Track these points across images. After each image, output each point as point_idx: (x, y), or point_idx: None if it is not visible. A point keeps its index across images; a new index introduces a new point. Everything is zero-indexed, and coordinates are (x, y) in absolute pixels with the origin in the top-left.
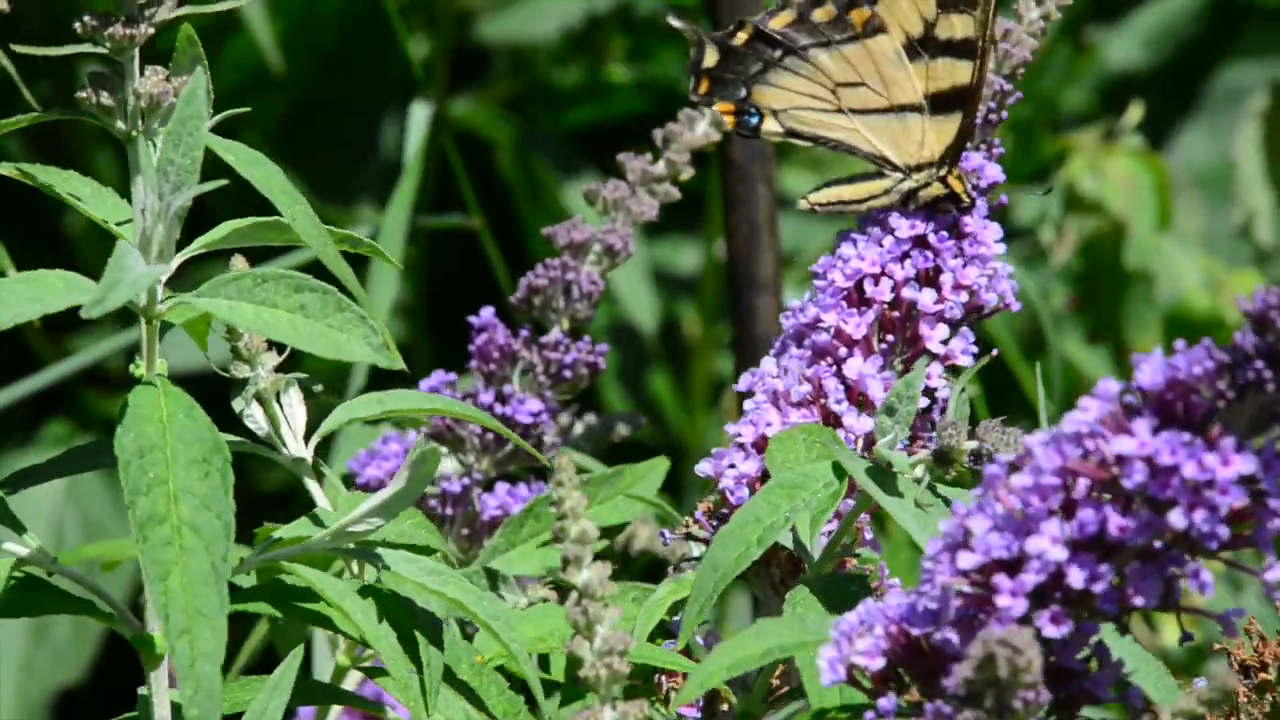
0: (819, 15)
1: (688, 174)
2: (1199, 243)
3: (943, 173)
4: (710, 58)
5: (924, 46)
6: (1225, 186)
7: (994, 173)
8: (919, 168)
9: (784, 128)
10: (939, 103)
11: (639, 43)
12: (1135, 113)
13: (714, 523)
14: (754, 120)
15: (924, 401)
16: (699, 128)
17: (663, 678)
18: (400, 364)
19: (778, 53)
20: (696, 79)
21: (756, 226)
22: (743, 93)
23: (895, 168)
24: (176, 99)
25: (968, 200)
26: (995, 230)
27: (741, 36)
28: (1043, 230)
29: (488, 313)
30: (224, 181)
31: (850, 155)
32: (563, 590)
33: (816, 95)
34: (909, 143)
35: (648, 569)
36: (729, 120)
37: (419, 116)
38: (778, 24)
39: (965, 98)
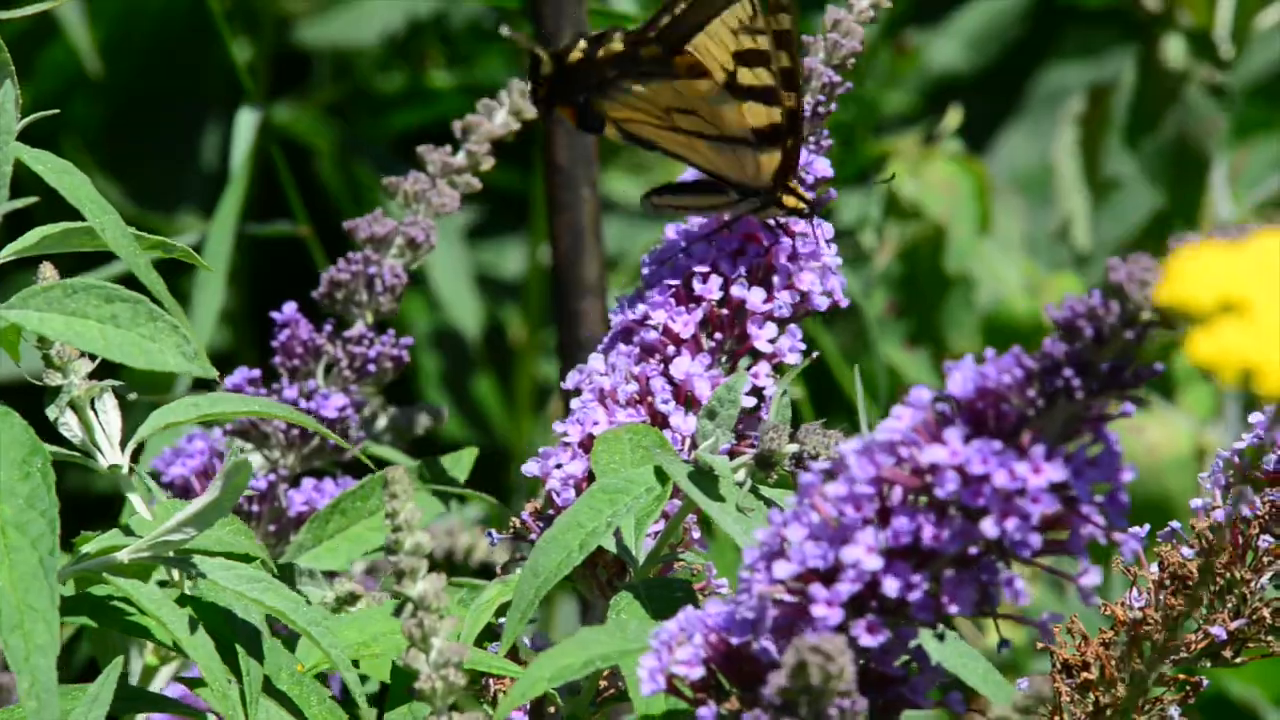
0: (645, 53)
1: (488, 164)
2: (1021, 245)
3: (776, 195)
4: (547, 67)
5: (733, 91)
6: (1046, 189)
7: (823, 167)
8: (755, 191)
9: (623, 133)
10: (762, 136)
11: (460, 48)
12: (954, 117)
13: (540, 523)
14: (595, 124)
15: (752, 401)
16: (497, 118)
17: (490, 680)
18: (213, 373)
19: (609, 73)
20: (535, 85)
21: (581, 230)
22: (582, 99)
23: (734, 185)
24: None
25: (806, 209)
26: (827, 229)
27: (575, 56)
28: (863, 234)
29: (290, 308)
30: (35, 199)
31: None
32: (370, 585)
33: (650, 114)
34: (745, 168)
35: (479, 570)
36: (570, 120)
37: (246, 123)
38: (604, 54)
39: (780, 131)
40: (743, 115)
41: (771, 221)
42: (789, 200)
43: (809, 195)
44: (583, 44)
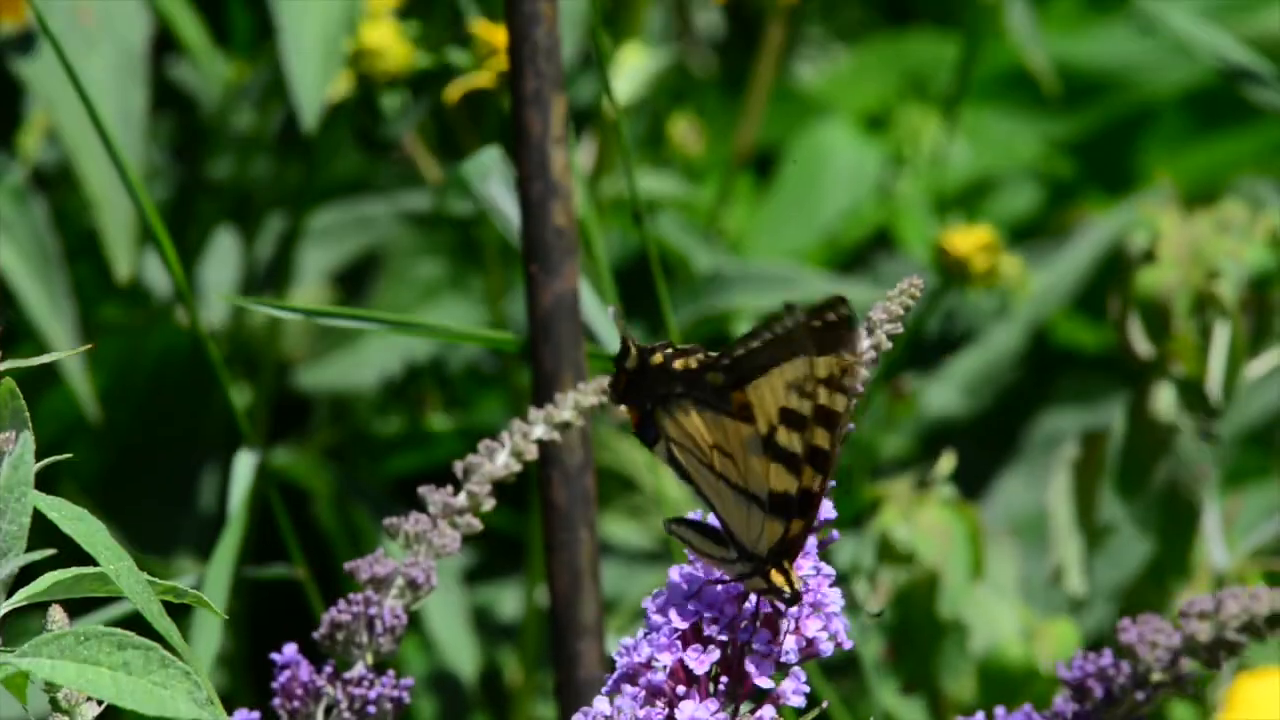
0: (711, 379)
1: (489, 505)
2: (1016, 590)
3: (766, 569)
4: (633, 361)
5: (767, 448)
6: (1041, 534)
7: (826, 509)
8: (751, 557)
9: (669, 454)
10: (775, 503)
11: (458, 392)
12: (947, 464)
13: None
14: (651, 435)
15: None
16: (499, 459)
17: None
18: (224, 719)
19: (677, 388)
20: (618, 375)
21: (579, 572)
22: (649, 405)
23: (736, 545)
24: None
25: (790, 594)
26: (829, 574)
27: (657, 359)
28: (857, 580)
29: (290, 649)
30: (51, 551)
31: (708, 510)
32: None
33: (697, 444)
34: (751, 529)
35: None
36: (633, 422)
37: (244, 465)
38: (680, 366)
39: (794, 505)
40: (768, 475)
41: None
42: (776, 578)
43: (800, 584)
44: (668, 351)
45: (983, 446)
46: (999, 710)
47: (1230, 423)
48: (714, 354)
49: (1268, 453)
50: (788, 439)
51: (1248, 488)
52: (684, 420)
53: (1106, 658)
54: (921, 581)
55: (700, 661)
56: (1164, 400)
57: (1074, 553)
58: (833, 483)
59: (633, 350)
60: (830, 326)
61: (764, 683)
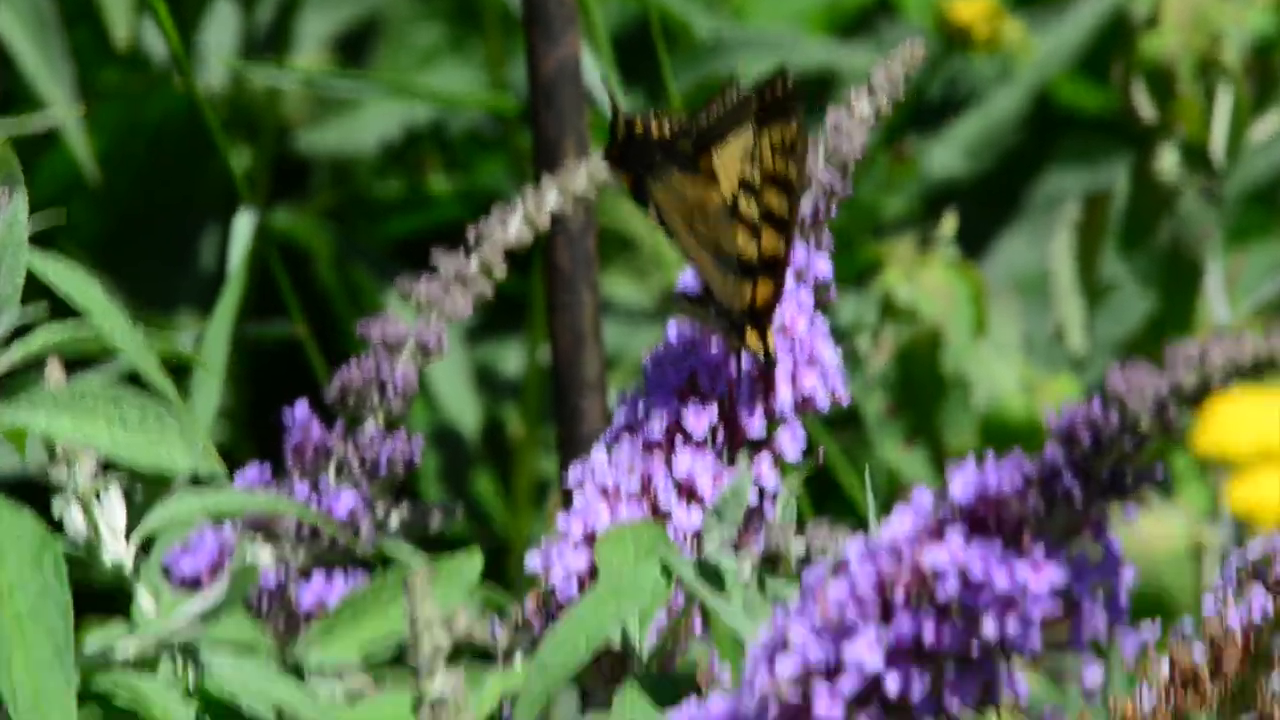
0: (681, 146)
1: (501, 272)
2: (1018, 348)
3: (741, 328)
4: (622, 130)
5: (733, 214)
6: (1043, 292)
7: (823, 268)
8: (728, 314)
9: (659, 218)
10: (744, 267)
11: (458, 155)
12: (949, 224)
13: (542, 617)
14: (644, 199)
15: (754, 498)
16: (511, 227)
17: None
18: (221, 470)
19: (659, 155)
20: (611, 144)
21: (581, 331)
22: (640, 171)
23: (714, 303)
24: None
25: (763, 357)
26: (824, 329)
27: (639, 129)
28: (859, 337)
29: (302, 408)
30: (44, 304)
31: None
32: (379, 680)
33: (678, 208)
34: (727, 290)
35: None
36: (628, 187)
37: (243, 225)
38: (657, 135)
39: (763, 268)
40: (736, 239)
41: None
42: (750, 337)
43: (773, 345)
44: (649, 121)
45: (985, 207)
46: (989, 455)
47: (1233, 184)
48: (683, 122)
49: (1271, 212)
50: (747, 205)
51: (1251, 246)
52: (668, 185)
53: (1096, 406)
54: (924, 338)
55: (696, 415)
56: (1167, 162)
57: (1075, 310)
58: (830, 244)
59: (621, 120)
60: (777, 100)
61: (756, 433)
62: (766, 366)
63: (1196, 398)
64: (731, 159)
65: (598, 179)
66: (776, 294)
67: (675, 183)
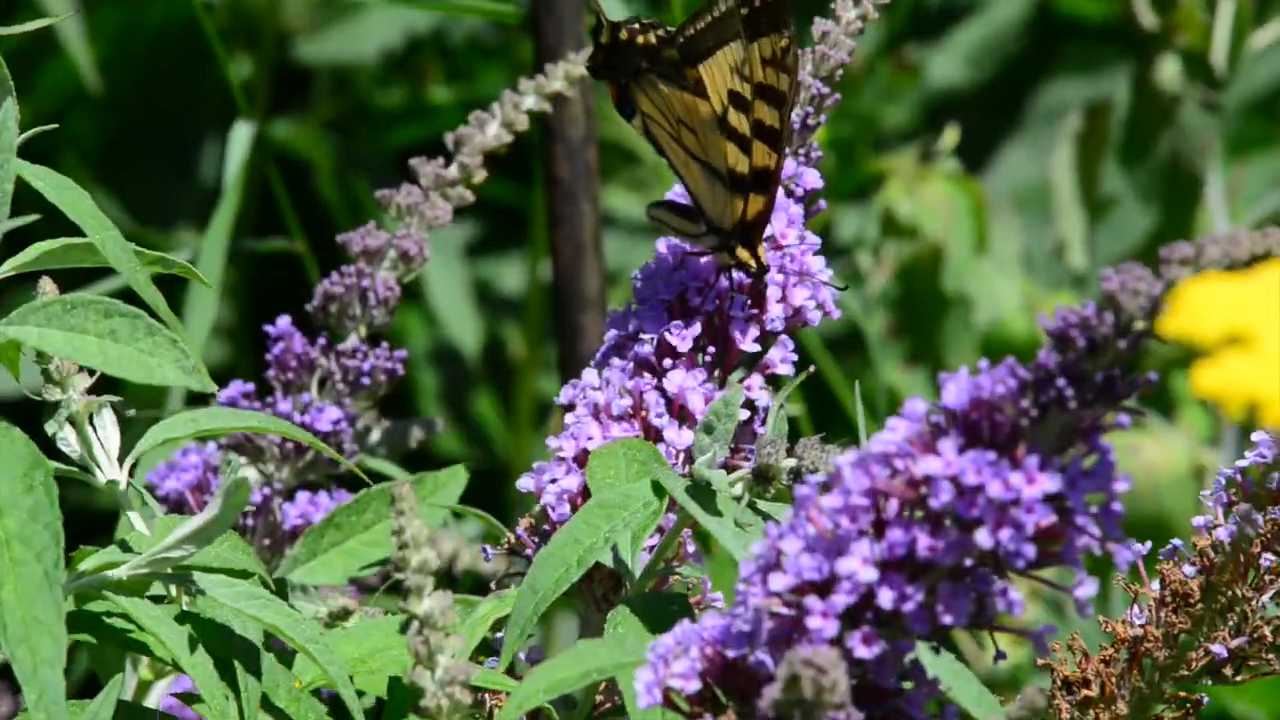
0: (668, 55)
1: (480, 176)
2: (1019, 264)
3: (731, 243)
4: (605, 37)
5: (722, 128)
6: (1044, 206)
7: (812, 179)
8: (719, 231)
9: (645, 129)
10: (736, 181)
11: (460, 64)
12: (951, 137)
13: (536, 539)
14: (629, 109)
15: (745, 414)
16: (490, 130)
17: (487, 696)
18: (212, 387)
19: (644, 63)
20: (594, 50)
21: (581, 245)
22: (624, 80)
23: (705, 218)
24: None
25: (755, 268)
26: (814, 241)
27: (624, 36)
28: (860, 254)
29: (284, 321)
30: (36, 216)
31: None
32: (364, 601)
33: (665, 119)
34: (718, 205)
35: (470, 586)
36: (612, 96)
37: (240, 137)
38: (643, 42)
39: (750, 182)
40: (725, 153)
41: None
42: (741, 253)
43: (765, 256)
44: (633, 27)
45: (986, 117)
46: (983, 363)
47: (1235, 94)
48: (666, 32)
49: (1271, 123)
50: (737, 120)
51: (1252, 158)
52: (654, 95)
53: (1089, 309)
54: (925, 255)
55: (684, 331)
56: (1168, 71)
57: (1076, 226)
58: (819, 153)
59: (605, 25)
60: (766, 8)
61: (749, 347)
62: (758, 278)
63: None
64: (721, 71)
65: (575, 77)
66: (768, 208)
67: (662, 94)
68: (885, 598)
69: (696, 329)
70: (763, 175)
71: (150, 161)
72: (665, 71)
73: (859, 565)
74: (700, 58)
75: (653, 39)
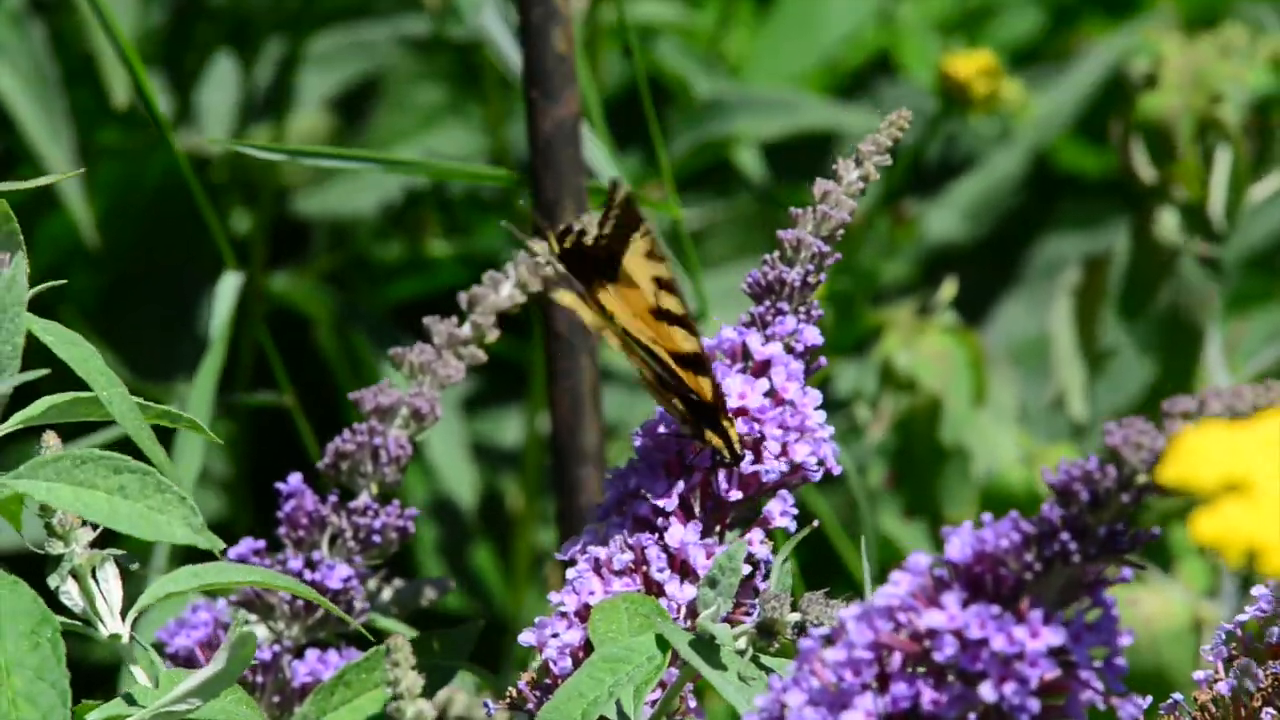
0: (602, 254)
1: (493, 336)
2: (1017, 417)
3: (701, 427)
4: (555, 247)
5: (657, 315)
6: (1043, 359)
7: (812, 336)
8: (697, 405)
9: (619, 330)
10: (686, 362)
11: (459, 218)
12: (949, 290)
13: (537, 693)
14: (603, 309)
15: (746, 569)
16: (504, 290)
17: None
18: (219, 545)
19: (594, 265)
20: (559, 255)
21: (580, 398)
22: (581, 288)
23: (683, 397)
24: None
25: (728, 456)
26: (815, 397)
27: (569, 241)
28: (858, 406)
29: (295, 479)
30: (45, 371)
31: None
32: None
33: (624, 312)
34: (690, 385)
35: None
36: (588, 299)
37: (227, 289)
38: (589, 241)
39: (690, 365)
40: (673, 337)
41: (768, 384)
42: (711, 438)
43: (735, 440)
44: (580, 230)
45: (984, 272)
46: (986, 517)
47: (1233, 247)
48: (592, 232)
49: (1272, 277)
50: (670, 302)
51: (1251, 312)
52: (607, 295)
53: (1092, 462)
54: (923, 407)
55: (669, 494)
56: (1167, 224)
57: (1076, 378)
58: (819, 311)
59: (551, 239)
60: (623, 213)
61: (734, 496)
62: (733, 463)
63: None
64: (638, 264)
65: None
66: (717, 389)
67: (613, 289)
68: None
69: (680, 487)
70: (695, 360)
71: (148, 315)
72: (606, 270)
73: (862, 718)
74: (620, 253)
75: (587, 240)
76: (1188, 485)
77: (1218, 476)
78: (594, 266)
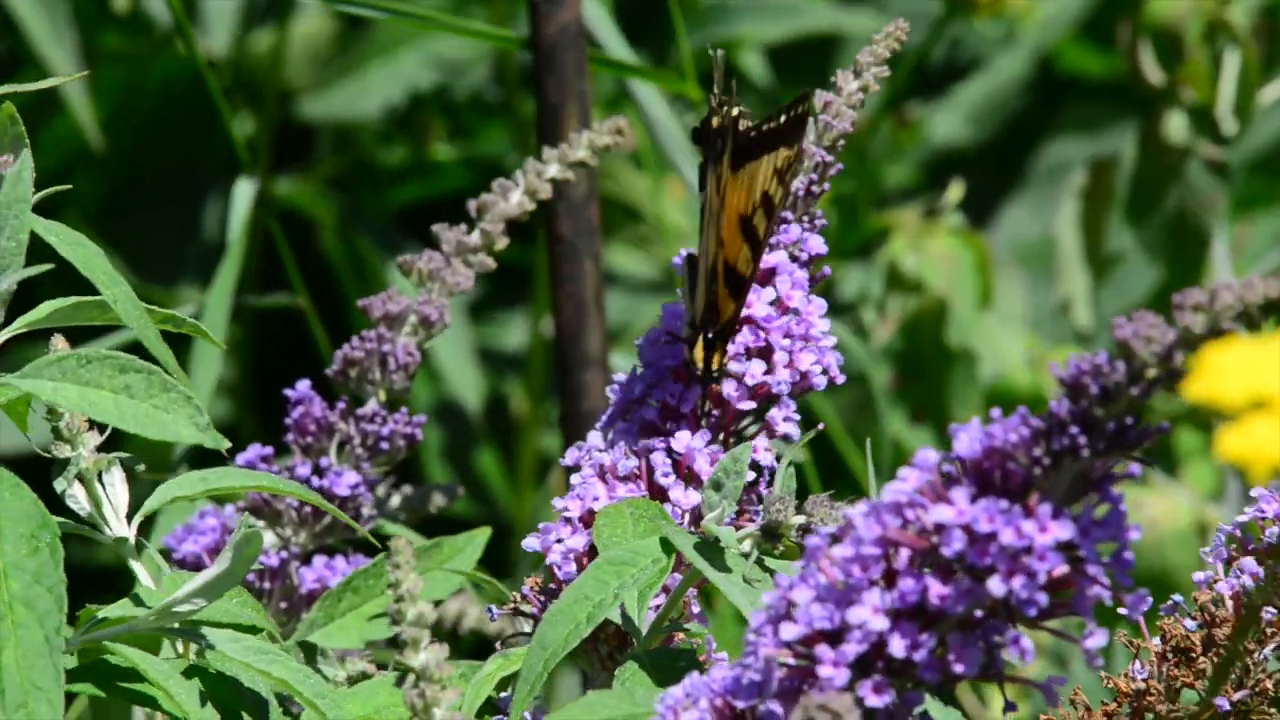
0: (733, 146)
1: (502, 244)
2: (1023, 319)
3: (694, 335)
4: (715, 121)
5: (742, 226)
6: (1048, 262)
7: (816, 245)
8: (690, 322)
9: (701, 207)
10: (731, 277)
11: (462, 121)
12: (955, 192)
13: (542, 598)
14: (702, 183)
15: (751, 475)
16: (513, 198)
17: None
18: (225, 444)
19: (720, 148)
20: (704, 122)
21: (584, 302)
22: (708, 157)
23: (692, 298)
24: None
25: (700, 370)
26: (820, 305)
27: (715, 122)
28: (865, 309)
29: (304, 385)
30: (49, 266)
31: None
32: (382, 664)
33: (714, 199)
34: (699, 293)
35: (475, 646)
36: (700, 169)
37: (243, 194)
38: (716, 124)
39: (741, 288)
40: (738, 251)
41: (774, 293)
42: (695, 351)
43: (715, 363)
44: (731, 113)
45: (988, 175)
46: (995, 412)
47: (1241, 150)
48: (741, 126)
49: (1277, 180)
50: (759, 222)
51: (1257, 215)
52: (719, 179)
53: (1102, 357)
54: (930, 310)
55: (685, 399)
56: (1175, 127)
57: (1081, 284)
58: (822, 219)
59: (712, 107)
60: (792, 123)
61: (744, 405)
62: (701, 379)
63: (1205, 341)
64: (766, 173)
65: (598, 147)
66: (736, 315)
67: (728, 179)
68: (897, 646)
69: (697, 392)
70: (739, 281)
71: (153, 219)
72: (730, 161)
73: (870, 614)
74: (752, 156)
75: (729, 126)
76: (1213, 401)
77: (1243, 393)
78: (725, 152)
